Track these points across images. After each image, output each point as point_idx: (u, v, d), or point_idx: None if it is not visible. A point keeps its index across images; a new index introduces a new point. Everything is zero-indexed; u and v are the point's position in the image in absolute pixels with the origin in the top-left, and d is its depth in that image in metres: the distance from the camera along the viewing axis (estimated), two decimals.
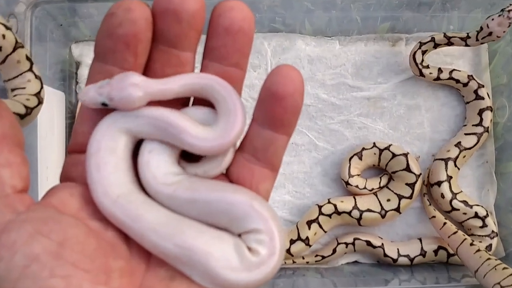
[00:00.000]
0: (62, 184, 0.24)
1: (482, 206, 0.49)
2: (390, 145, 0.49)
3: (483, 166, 0.51)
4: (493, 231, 0.48)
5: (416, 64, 0.48)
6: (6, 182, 0.21)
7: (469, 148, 0.49)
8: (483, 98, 0.49)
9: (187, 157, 0.25)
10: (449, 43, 0.48)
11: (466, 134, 0.50)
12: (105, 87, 0.23)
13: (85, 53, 0.50)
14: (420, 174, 0.49)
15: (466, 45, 0.47)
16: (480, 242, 0.49)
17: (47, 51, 0.47)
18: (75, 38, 0.51)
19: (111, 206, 0.23)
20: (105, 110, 0.24)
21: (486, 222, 0.48)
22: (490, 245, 0.48)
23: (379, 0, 0.48)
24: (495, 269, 0.43)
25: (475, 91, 0.49)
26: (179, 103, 0.25)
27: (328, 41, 0.52)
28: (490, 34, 0.45)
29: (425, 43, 0.48)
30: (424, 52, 0.48)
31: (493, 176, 0.51)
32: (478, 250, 0.44)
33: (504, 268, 0.42)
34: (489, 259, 0.43)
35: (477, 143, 0.49)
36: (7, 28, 0.38)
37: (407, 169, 0.48)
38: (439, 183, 0.48)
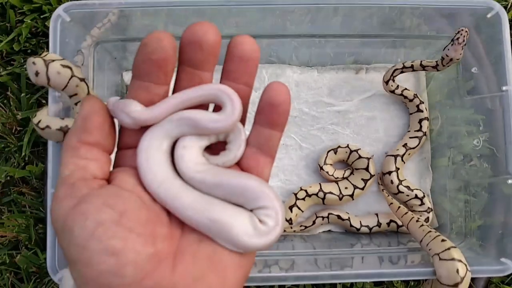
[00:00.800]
0: (119, 168, 0.26)
1: (420, 190, 0.54)
2: (359, 149, 0.54)
3: (422, 161, 0.56)
4: (429, 208, 0.53)
5: (390, 77, 0.53)
6: (90, 171, 0.24)
7: (413, 148, 0.54)
8: (422, 111, 0.54)
9: (209, 151, 0.27)
10: (424, 69, 0.51)
11: (410, 137, 0.54)
12: (114, 104, 0.25)
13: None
14: (374, 175, 0.53)
15: (437, 70, 0.49)
16: (420, 216, 0.52)
17: (105, 77, 0.51)
18: (125, 68, 0.55)
19: (156, 189, 0.24)
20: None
21: (423, 201, 0.53)
22: (428, 218, 0.53)
23: (347, 40, 0.52)
24: (435, 239, 0.44)
25: (417, 106, 0.54)
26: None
27: (309, 70, 0.56)
28: (451, 60, 0.47)
29: (406, 67, 0.51)
30: (400, 72, 0.52)
31: (429, 168, 0.55)
32: (422, 225, 0.47)
33: (442, 240, 0.43)
34: (430, 231, 0.46)
35: (418, 144, 0.54)
36: (81, 79, 0.41)
37: (366, 169, 0.53)
38: (389, 173, 0.53)
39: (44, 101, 0.56)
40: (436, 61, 0.49)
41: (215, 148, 0.27)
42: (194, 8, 0.45)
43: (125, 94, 0.54)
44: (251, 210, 0.25)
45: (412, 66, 0.51)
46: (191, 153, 0.25)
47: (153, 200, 0.24)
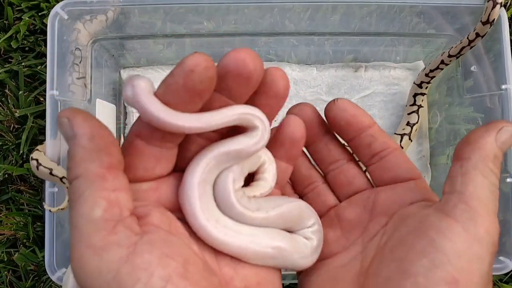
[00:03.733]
0: (140, 203, 0.21)
1: None
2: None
3: (421, 159, 0.56)
4: None
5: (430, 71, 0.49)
6: (125, 205, 0.19)
7: (416, 123, 0.52)
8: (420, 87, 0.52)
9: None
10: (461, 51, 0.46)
11: (408, 113, 0.53)
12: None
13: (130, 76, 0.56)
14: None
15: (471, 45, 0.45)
16: None
17: (103, 75, 0.51)
18: (123, 65, 0.55)
19: (212, 229, 0.22)
20: (156, 150, 0.22)
21: None
22: None
23: (346, 38, 0.52)
24: None
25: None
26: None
27: (308, 68, 0.56)
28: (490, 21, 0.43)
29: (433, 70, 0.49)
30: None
31: (428, 166, 0.55)
32: None
33: None
34: None
35: (418, 119, 0.52)
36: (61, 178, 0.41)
37: None
38: None
39: (42, 99, 0.56)
40: (468, 37, 0.45)
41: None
42: (193, 5, 0.45)
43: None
44: (297, 231, 0.26)
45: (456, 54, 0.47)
46: (237, 188, 0.24)
47: (201, 248, 0.22)
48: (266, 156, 0.26)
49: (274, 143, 0.26)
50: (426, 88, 0.53)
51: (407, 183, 0.27)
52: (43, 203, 0.42)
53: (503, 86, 0.45)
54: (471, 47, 0.46)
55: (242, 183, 0.24)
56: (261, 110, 0.23)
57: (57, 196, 0.42)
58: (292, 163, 0.27)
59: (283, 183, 0.27)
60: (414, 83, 0.53)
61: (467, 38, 0.46)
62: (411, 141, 0.54)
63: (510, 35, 0.46)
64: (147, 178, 0.22)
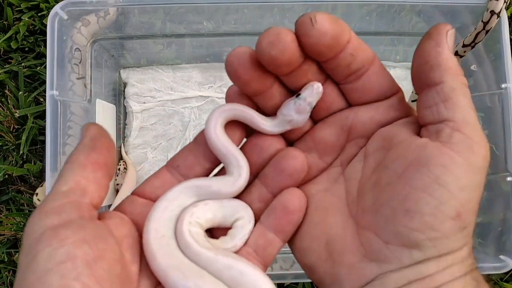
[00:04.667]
0: (118, 213, 0.24)
1: None
2: None
3: None
4: None
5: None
6: (88, 194, 0.21)
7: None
8: None
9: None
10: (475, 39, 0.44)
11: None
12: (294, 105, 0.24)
13: (130, 76, 0.55)
14: None
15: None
16: None
17: (102, 75, 0.51)
18: (123, 65, 0.55)
19: (153, 239, 0.23)
20: (171, 179, 0.25)
21: None
22: None
23: None
24: None
25: None
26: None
27: None
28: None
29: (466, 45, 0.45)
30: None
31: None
32: None
33: None
34: None
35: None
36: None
37: None
38: None
39: (42, 100, 0.56)
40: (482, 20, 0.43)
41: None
42: (192, 5, 0.45)
43: (124, 92, 0.56)
44: None
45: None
46: (195, 232, 0.24)
47: (132, 260, 0.23)
48: (245, 213, 0.25)
49: (266, 208, 0.25)
50: None
51: (390, 99, 0.25)
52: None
53: (503, 85, 0.45)
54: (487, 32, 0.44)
55: (200, 229, 0.24)
56: (268, 183, 0.25)
57: None
58: (282, 238, 0.25)
59: (268, 259, 0.25)
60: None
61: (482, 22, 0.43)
62: None
63: (510, 34, 0.46)
64: (147, 196, 0.26)
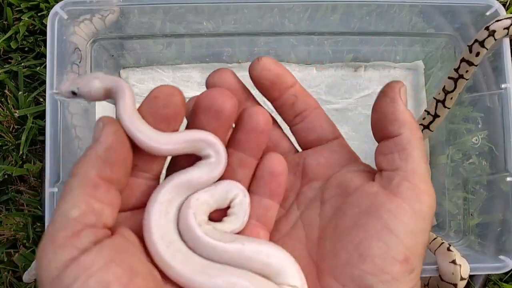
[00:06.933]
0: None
1: None
2: None
3: None
4: None
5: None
6: (103, 218, 0.20)
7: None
8: None
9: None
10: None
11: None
12: (77, 79, 0.23)
13: (130, 76, 0.55)
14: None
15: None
16: None
17: None
18: (123, 65, 0.55)
19: (164, 250, 0.22)
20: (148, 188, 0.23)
21: None
22: None
23: (345, 38, 0.52)
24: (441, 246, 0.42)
25: None
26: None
27: (308, 67, 0.56)
28: None
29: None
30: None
31: (428, 166, 0.57)
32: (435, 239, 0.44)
33: (448, 249, 0.42)
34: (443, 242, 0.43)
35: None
36: None
37: None
38: None
39: (41, 100, 0.56)
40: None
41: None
42: (192, 5, 0.45)
43: None
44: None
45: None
46: (201, 222, 0.23)
47: (154, 268, 0.22)
48: (238, 189, 0.25)
49: (254, 179, 0.26)
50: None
51: (330, 143, 0.28)
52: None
53: (503, 85, 0.45)
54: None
55: (205, 217, 0.24)
56: (241, 147, 0.24)
57: (57, 196, 0.42)
58: (277, 200, 0.26)
59: (270, 223, 0.26)
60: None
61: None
62: (432, 131, 0.51)
63: None
64: (130, 207, 0.24)
